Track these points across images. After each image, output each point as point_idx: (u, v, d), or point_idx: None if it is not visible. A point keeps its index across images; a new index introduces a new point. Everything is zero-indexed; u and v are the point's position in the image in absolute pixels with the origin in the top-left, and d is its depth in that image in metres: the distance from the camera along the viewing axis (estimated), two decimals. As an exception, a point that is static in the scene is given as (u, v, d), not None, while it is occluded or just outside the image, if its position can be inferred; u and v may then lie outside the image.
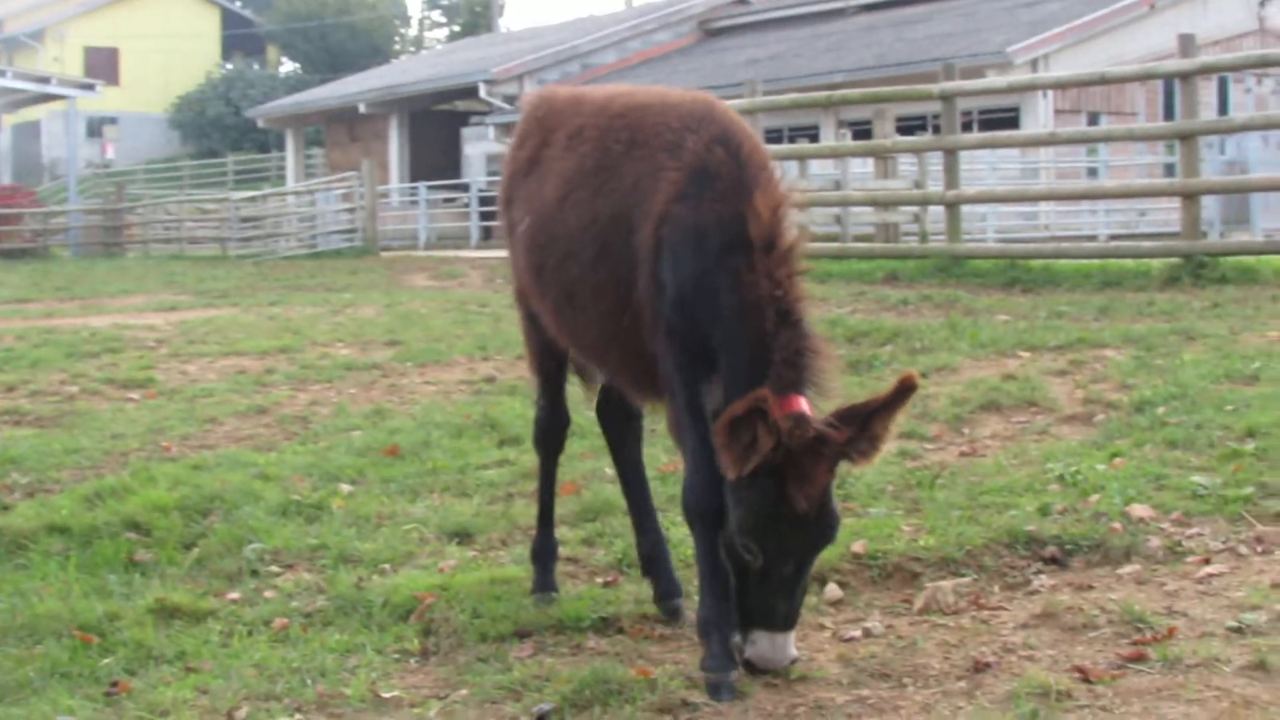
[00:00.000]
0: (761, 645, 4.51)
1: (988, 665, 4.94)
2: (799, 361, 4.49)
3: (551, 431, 6.23)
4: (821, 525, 4.44)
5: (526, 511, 7.20)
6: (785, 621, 4.52)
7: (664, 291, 4.85)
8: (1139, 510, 6.41)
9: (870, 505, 6.95)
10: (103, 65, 72.72)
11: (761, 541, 4.44)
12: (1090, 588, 5.68)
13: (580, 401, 6.51)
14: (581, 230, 5.27)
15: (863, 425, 4.35)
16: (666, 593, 5.76)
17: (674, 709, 4.73)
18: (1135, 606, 5.25)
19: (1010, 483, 7.07)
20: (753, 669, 4.63)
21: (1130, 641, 4.97)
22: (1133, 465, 7.14)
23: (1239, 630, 4.95)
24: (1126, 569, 5.88)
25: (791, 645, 4.56)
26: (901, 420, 4.43)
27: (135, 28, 77.61)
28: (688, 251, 4.75)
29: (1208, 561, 5.82)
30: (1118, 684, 4.59)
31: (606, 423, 6.17)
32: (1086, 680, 4.63)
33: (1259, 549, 5.90)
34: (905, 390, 4.33)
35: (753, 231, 4.61)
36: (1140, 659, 4.78)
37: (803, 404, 4.43)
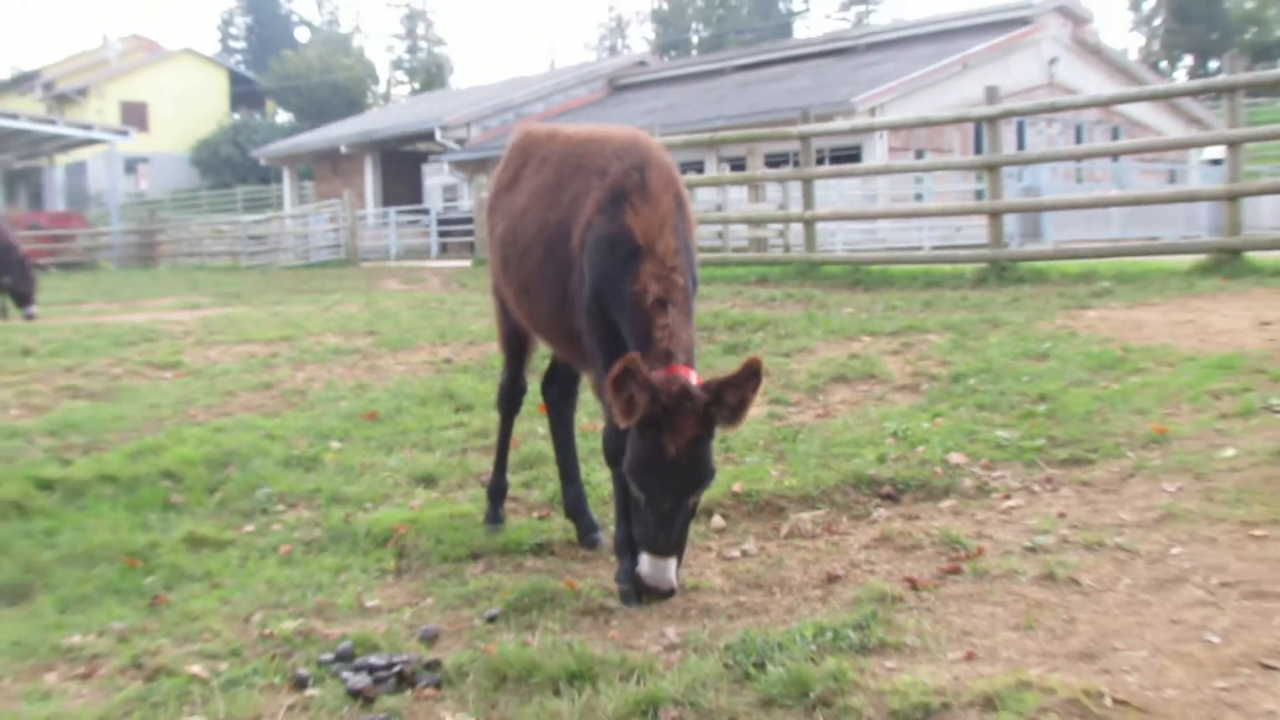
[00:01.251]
0: (643, 565, 4.44)
1: (838, 577, 5.02)
2: (672, 337, 4.55)
3: (512, 395, 6.29)
4: (691, 471, 4.38)
5: (478, 462, 7.24)
6: (663, 548, 4.40)
7: (586, 283, 4.93)
8: (955, 458, 6.50)
9: (746, 455, 7.00)
10: (135, 116, 71.99)
11: (643, 480, 4.42)
12: (917, 518, 5.77)
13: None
14: (536, 234, 5.35)
15: (718, 394, 4.34)
16: (586, 530, 5.85)
17: (594, 612, 4.82)
18: (952, 532, 5.35)
19: (855, 437, 7.13)
20: (642, 588, 4.56)
21: (949, 558, 5.05)
22: (950, 423, 7.22)
23: (1033, 550, 5.05)
24: (945, 503, 5.97)
25: (671, 571, 4.41)
26: (755, 394, 4.36)
27: (160, 86, 77.01)
28: (602, 253, 4.82)
29: (1008, 497, 5.91)
30: (939, 591, 4.69)
31: (549, 393, 6.21)
32: (915, 588, 4.72)
33: (1049, 487, 6.00)
34: (750, 371, 4.32)
35: (640, 240, 4.70)
36: (956, 572, 4.87)
37: (681, 370, 4.46)
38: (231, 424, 8.52)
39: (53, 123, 50.95)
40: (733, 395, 4.34)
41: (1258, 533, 4.84)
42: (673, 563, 4.44)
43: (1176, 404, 7.04)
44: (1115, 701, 3.47)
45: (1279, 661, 3.66)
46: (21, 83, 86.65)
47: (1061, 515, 5.49)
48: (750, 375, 4.32)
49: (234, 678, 4.27)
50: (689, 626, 4.55)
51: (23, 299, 18.65)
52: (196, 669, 4.35)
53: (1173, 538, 4.95)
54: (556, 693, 3.91)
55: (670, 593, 4.48)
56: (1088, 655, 3.89)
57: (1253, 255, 13.10)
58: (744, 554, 5.50)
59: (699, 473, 4.43)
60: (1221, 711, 3.40)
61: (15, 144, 53.67)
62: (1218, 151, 34.20)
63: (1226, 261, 12.91)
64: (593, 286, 4.87)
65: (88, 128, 51.48)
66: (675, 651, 4.28)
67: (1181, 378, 7.52)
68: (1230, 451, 5.94)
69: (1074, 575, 4.66)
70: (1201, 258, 13.53)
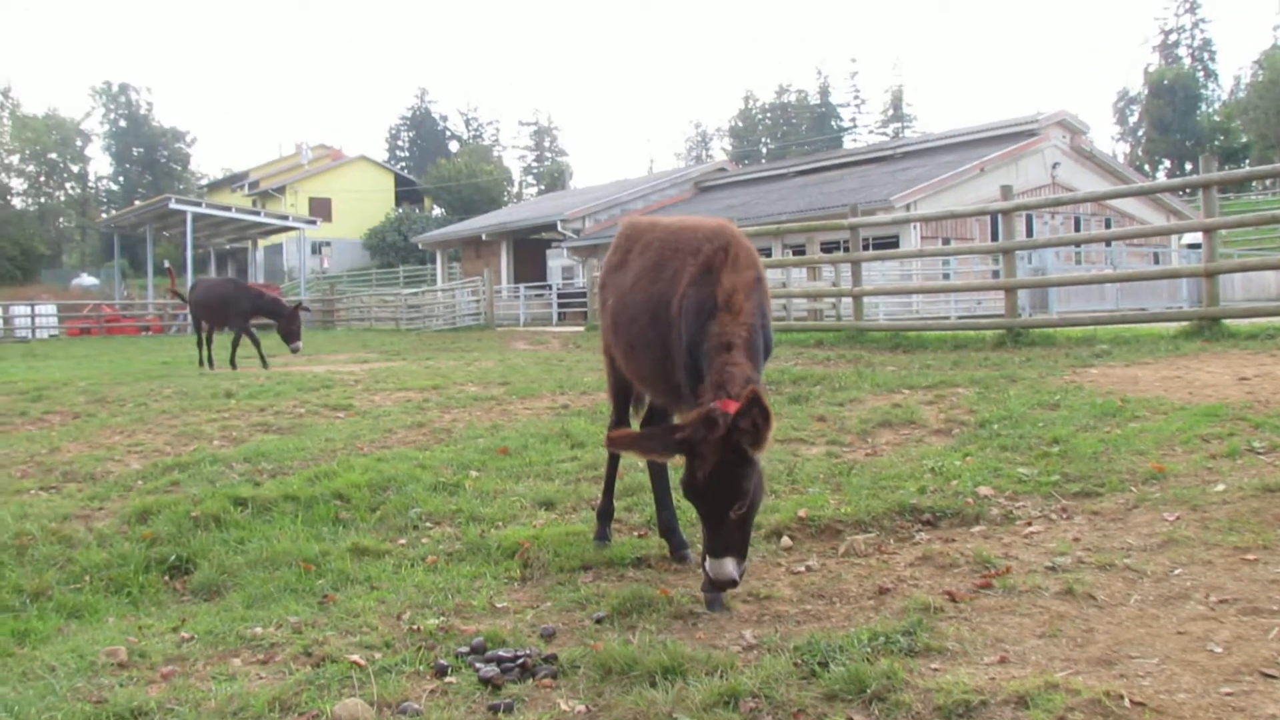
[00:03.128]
0: (708, 564, 4.31)
1: (888, 590, 4.83)
2: (726, 372, 4.43)
3: None
4: (721, 493, 4.23)
5: (589, 490, 7.12)
6: (715, 551, 4.27)
7: (681, 340, 4.82)
8: (984, 490, 6.27)
9: (809, 486, 6.81)
10: (321, 209, 73.80)
11: (689, 498, 4.32)
12: (953, 540, 5.54)
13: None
14: (642, 304, 5.26)
15: (734, 423, 4.15)
16: (677, 548, 5.69)
17: (684, 616, 4.67)
18: (983, 553, 5.13)
19: (899, 472, 6.92)
20: (710, 581, 4.41)
21: (981, 575, 4.83)
22: (979, 461, 6.99)
23: (1053, 569, 4.82)
24: (977, 528, 5.74)
25: (728, 567, 4.25)
26: (764, 420, 4.11)
27: (341, 185, 79.09)
28: (693, 315, 4.73)
29: (1030, 524, 5.67)
30: (974, 603, 4.48)
31: None
32: (953, 600, 4.52)
33: (1064, 515, 5.76)
34: (750, 402, 4.12)
35: (719, 300, 4.63)
36: (988, 587, 4.66)
37: (729, 404, 4.28)
38: (391, 455, 8.48)
39: (257, 214, 52.51)
40: (744, 422, 4.14)
41: (1249, 556, 4.58)
42: (729, 561, 4.27)
43: (1171, 446, 6.77)
44: (1133, 703, 3.26)
45: (1277, 670, 3.43)
46: (232, 181, 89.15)
47: (1076, 540, 5.26)
48: (751, 404, 4.12)
49: (386, 665, 4.20)
50: (763, 630, 4.39)
51: (291, 336, 19.81)
52: (356, 657, 4.28)
53: (1175, 560, 4.71)
54: (653, 684, 3.79)
55: (730, 584, 4.32)
56: (1106, 661, 3.68)
57: (1229, 322, 12.75)
58: (808, 569, 5.32)
59: (730, 494, 4.25)
60: (1228, 714, 3.17)
61: (227, 230, 55.21)
62: (1195, 238, 33.63)
63: (1207, 327, 12.57)
64: (688, 342, 4.77)
65: (284, 218, 52.93)
66: (752, 651, 4.13)
67: (1174, 424, 7.25)
68: (1221, 486, 5.68)
69: (1090, 591, 4.44)
70: (1185, 325, 13.20)
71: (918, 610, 4.38)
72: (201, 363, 19.97)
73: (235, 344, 19.74)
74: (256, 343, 19.38)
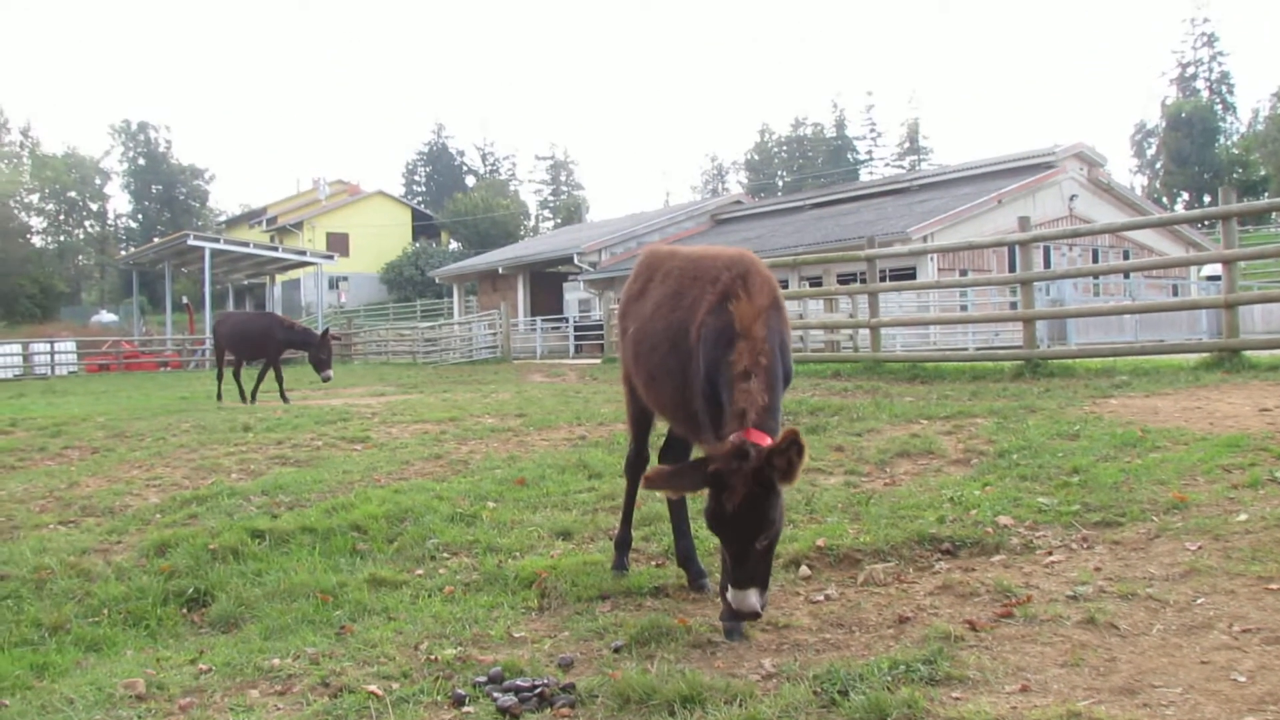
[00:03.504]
0: (731, 595, 4.34)
1: (908, 619, 4.81)
2: (749, 400, 4.44)
3: (637, 465, 6.14)
4: (748, 524, 4.25)
5: (606, 520, 7.11)
6: (739, 582, 4.29)
7: (700, 370, 4.83)
8: (1004, 520, 6.24)
9: (828, 516, 6.79)
10: (339, 244, 74.17)
11: (712, 529, 4.34)
12: (973, 570, 5.52)
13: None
14: (662, 332, 5.28)
15: (768, 459, 4.19)
16: (695, 577, 5.69)
17: (703, 645, 4.65)
18: (1004, 582, 5.11)
19: (918, 502, 6.89)
20: (731, 611, 4.44)
21: (1002, 604, 4.81)
22: (998, 491, 6.96)
23: (1074, 598, 4.79)
24: (996, 558, 5.71)
25: (752, 598, 4.28)
26: (799, 456, 4.14)
27: (359, 220, 79.55)
28: (711, 343, 4.75)
29: (1051, 553, 5.64)
30: (995, 631, 4.46)
31: (665, 462, 6.03)
32: (974, 629, 4.50)
33: (1084, 545, 5.73)
34: (789, 440, 4.15)
35: (736, 328, 4.63)
36: (1009, 616, 4.64)
37: (753, 433, 4.32)
38: (408, 487, 8.49)
39: (275, 249, 52.74)
40: (780, 460, 4.18)
41: (1273, 586, 4.55)
42: (753, 592, 4.30)
43: (1193, 476, 6.73)
44: (1157, 732, 3.23)
45: (1302, 699, 3.40)
46: (250, 218, 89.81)
47: (1097, 569, 5.23)
48: (790, 443, 4.16)
49: (404, 695, 4.20)
50: (782, 659, 4.38)
51: (321, 364, 19.95)
52: (374, 688, 4.28)
53: (1197, 590, 4.68)
54: (672, 714, 3.78)
55: (753, 615, 4.36)
56: (1129, 690, 3.65)
57: (1249, 354, 12.68)
58: (827, 598, 5.30)
59: (757, 524, 4.26)
60: (1253, 743, 3.15)
61: (245, 266, 55.54)
62: (1214, 270, 33.54)
63: (1227, 359, 12.50)
64: (705, 370, 4.79)
65: (302, 253, 53.17)
66: (771, 680, 4.11)
67: (1195, 454, 7.21)
68: (1243, 516, 5.64)
69: (1112, 620, 4.41)
70: (1205, 356, 13.13)
71: (938, 639, 4.37)
72: (220, 396, 20.06)
73: (261, 377, 19.89)
74: (280, 377, 19.49)
